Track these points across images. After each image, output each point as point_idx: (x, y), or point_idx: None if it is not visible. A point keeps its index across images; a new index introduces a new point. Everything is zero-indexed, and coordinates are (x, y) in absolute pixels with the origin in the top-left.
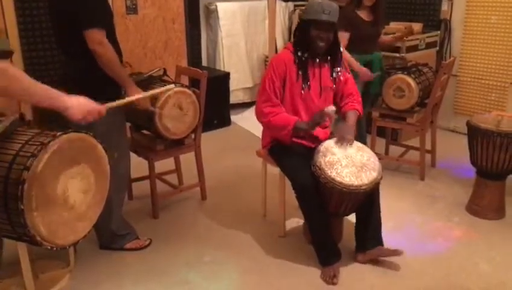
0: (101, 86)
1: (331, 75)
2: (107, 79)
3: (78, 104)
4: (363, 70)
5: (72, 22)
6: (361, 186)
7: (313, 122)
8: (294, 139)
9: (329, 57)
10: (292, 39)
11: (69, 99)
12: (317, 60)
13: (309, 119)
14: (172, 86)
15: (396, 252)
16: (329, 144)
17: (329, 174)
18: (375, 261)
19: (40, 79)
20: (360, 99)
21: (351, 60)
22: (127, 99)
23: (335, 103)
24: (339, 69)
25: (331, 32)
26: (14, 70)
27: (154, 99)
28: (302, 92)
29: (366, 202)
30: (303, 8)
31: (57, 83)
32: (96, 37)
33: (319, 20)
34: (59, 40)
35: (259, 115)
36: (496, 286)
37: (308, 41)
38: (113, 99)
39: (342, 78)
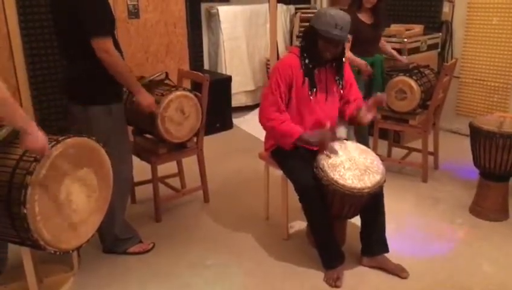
0: (101, 86)
1: (336, 80)
2: (107, 80)
3: (37, 135)
4: (363, 63)
5: (71, 22)
6: (363, 189)
7: (319, 138)
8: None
9: (334, 64)
10: (294, 42)
11: (33, 127)
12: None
13: (314, 129)
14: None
15: (402, 272)
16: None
17: (331, 176)
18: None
19: (42, 84)
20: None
21: (351, 55)
22: None
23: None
24: (341, 76)
25: (340, 46)
26: None
27: (157, 103)
28: (310, 97)
29: (371, 204)
30: (306, 11)
31: (59, 87)
32: (102, 46)
33: (329, 36)
34: (60, 42)
35: (264, 119)
36: (499, 287)
37: (315, 51)
38: (114, 100)
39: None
